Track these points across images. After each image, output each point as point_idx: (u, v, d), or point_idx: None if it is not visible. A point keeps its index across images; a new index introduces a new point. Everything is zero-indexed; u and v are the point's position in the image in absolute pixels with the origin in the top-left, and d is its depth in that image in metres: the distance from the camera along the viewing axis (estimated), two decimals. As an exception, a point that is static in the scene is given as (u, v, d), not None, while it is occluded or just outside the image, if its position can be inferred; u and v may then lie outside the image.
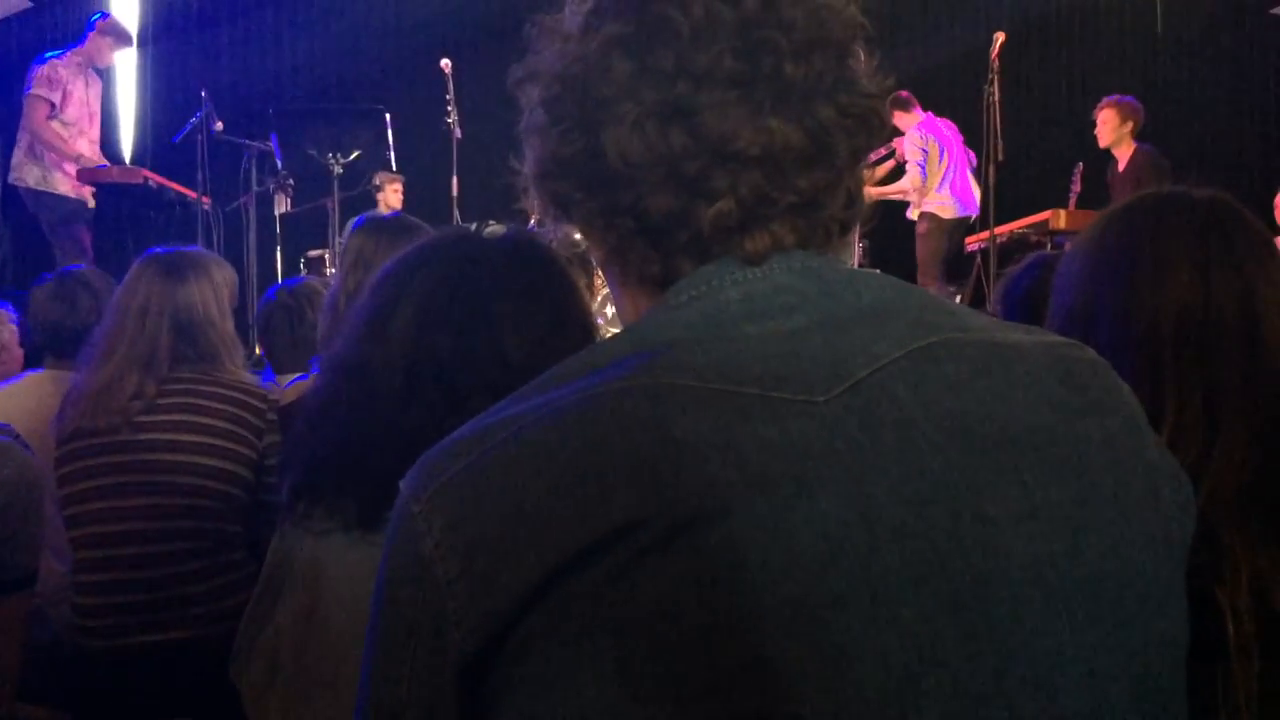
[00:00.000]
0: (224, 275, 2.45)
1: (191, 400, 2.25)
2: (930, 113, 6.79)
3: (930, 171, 6.63)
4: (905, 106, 6.69)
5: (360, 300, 1.34)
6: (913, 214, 6.83)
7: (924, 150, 6.61)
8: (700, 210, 0.70)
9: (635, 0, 0.71)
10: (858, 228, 0.83)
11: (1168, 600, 0.67)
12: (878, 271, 0.82)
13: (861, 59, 0.74)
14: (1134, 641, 0.64)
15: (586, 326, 1.31)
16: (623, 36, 0.70)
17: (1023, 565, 0.62)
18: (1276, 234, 1.33)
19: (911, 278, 6.52)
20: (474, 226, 1.36)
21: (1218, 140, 8.32)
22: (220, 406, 2.26)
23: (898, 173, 6.91)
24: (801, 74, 0.69)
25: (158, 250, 2.43)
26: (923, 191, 6.65)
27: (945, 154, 6.63)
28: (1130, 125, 6.07)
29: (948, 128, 6.74)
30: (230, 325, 2.42)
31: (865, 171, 0.76)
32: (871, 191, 6.73)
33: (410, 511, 0.65)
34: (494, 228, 1.34)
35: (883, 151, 6.42)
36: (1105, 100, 6.20)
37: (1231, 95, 8.49)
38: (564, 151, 0.73)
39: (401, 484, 0.67)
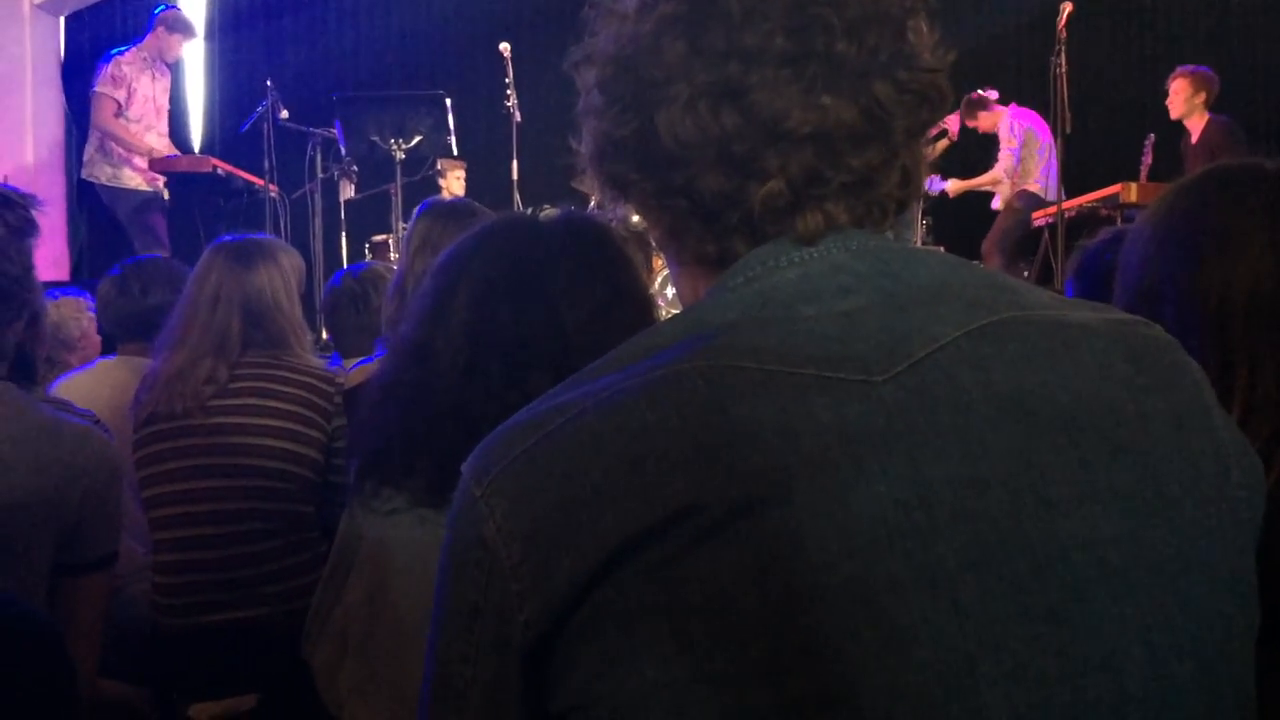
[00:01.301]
0: (292, 262, 2.49)
1: (262, 384, 2.30)
2: (1013, 103, 6.68)
3: (1030, 157, 6.53)
4: (984, 105, 6.58)
5: (423, 284, 1.37)
6: (999, 204, 6.73)
7: (1019, 137, 6.52)
8: (751, 190, 0.69)
9: None
10: (920, 204, 0.82)
11: (1235, 582, 0.66)
12: (939, 250, 0.81)
13: (923, 32, 0.73)
14: (1199, 623, 0.63)
15: (643, 299, 1.32)
16: (675, 16, 0.70)
17: (1084, 547, 0.61)
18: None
19: (976, 254, 6.44)
20: (530, 211, 1.38)
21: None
22: (290, 390, 2.30)
23: (953, 155, 6.80)
24: (854, 51, 0.68)
25: (228, 238, 2.48)
26: (1017, 177, 6.55)
27: (1042, 141, 6.53)
28: (1203, 96, 5.90)
29: (1036, 116, 6.64)
30: (298, 311, 2.46)
31: (926, 149, 0.75)
32: (960, 185, 6.72)
33: (472, 496, 0.66)
34: (549, 211, 1.35)
35: (935, 130, 6.32)
36: (1178, 70, 6.03)
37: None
38: (619, 132, 0.73)
39: (463, 468, 0.68)
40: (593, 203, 6.22)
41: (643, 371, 0.64)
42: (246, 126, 6.24)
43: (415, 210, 2.44)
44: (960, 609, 0.59)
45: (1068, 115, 5.38)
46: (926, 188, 6.61)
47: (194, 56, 7.78)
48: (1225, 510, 0.66)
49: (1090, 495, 0.62)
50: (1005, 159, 6.59)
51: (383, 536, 1.33)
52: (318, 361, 2.49)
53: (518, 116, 6.38)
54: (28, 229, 1.56)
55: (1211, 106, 5.94)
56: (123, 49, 6.09)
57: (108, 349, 2.91)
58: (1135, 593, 0.62)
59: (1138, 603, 0.62)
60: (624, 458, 0.62)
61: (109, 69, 5.92)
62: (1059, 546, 0.61)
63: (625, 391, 0.64)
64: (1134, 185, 5.95)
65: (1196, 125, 5.94)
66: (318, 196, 6.34)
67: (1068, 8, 5.50)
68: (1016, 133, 6.55)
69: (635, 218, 0.83)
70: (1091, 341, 0.67)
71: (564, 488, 0.63)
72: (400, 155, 5.91)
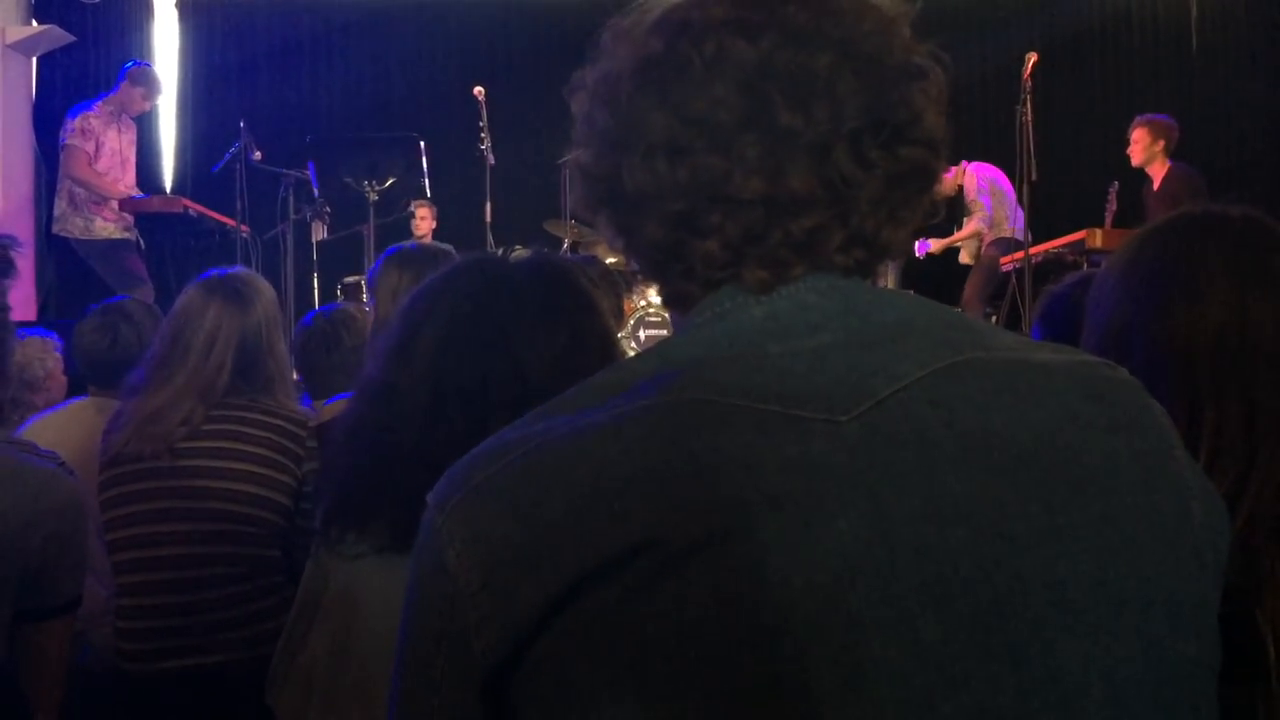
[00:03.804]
0: (272, 295, 2.43)
1: (234, 427, 2.26)
2: (964, 160, 6.79)
3: (1000, 206, 6.64)
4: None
5: (390, 325, 1.37)
6: (966, 258, 6.82)
7: (986, 188, 6.62)
8: (693, 245, 0.71)
9: (668, 32, 0.72)
10: (899, 265, 0.81)
11: (1197, 620, 0.66)
12: (908, 292, 0.81)
13: (929, 99, 0.72)
14: (1161, 662, 0.64)
15: (606, 346, 1.33)
16: (651, 61, 0.71)
17: (1046, 584, 0.62)
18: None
19: (942, 297, 6.49)
20: (500, 251, 1.38)
21: (1254, 158, 8.22)
22: (262, 434, 2.26)
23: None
24: (801, 122, 0.68)
25: (219, 271, 2.40)
26: (993, 227, 6.65)
27: (1006, 190, 6.65)
28: (1162, 144, 6.01)
29: (994, 168, 6.75)
30: (284, 350, 2.41)
31: (910, 215, 0.74)
32: (941, 243, 6.86)
33: (435, 523, 0.66)
34: (519, 251, 1.36)
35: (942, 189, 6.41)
36: (1138, 119, 6.15)
37: (1268, 113, 8.39)
38: (598, 167, 0.75)
39: (428, 497, 0.68)
40: (565, 244, 6.24)
41: (608, 405, 0.65)
42: (219, 167, 6.23)
43: (382, 257, 2.42)
44: (921, 646, 0.59)
45: (1033, 163, 5.46)
46: (915, 251, 6.70)
47: (167, 96, 7.76)
48: (1187, 550, 0.67)
49: (1052, 533, 0.63)
50: (980, 211, 6.70)
51: (348, 581, 1.32)
52: (294, 404, 2.44)
53: (491, 159, 6.41)
54: (5, 269, 1.55)
55: (1173, 154, 6.05)
56: (90, 103, 6.10)
57: (77, 390, 2.87)
58: (1097, 631, 0.62)
59: (1099, 641, 0.62)
60: (586, 489, 0.62)
61: (77, 123, 5.93)
62: (1020, 584, 0.61)
63: (590, 424, 0.64)
64: (1099, 231, 6.03)
65: (1158, 173, 6.05)
66: (289, 237, 6.32)
67: (1033, 57, 5.60)
68: (984, 185, 6.65)
69: (611, 258, 0.84)
70: (1055, 382, 0.68)
71: (525, 516, 0.63)
72: (373, 197, 5.91)
